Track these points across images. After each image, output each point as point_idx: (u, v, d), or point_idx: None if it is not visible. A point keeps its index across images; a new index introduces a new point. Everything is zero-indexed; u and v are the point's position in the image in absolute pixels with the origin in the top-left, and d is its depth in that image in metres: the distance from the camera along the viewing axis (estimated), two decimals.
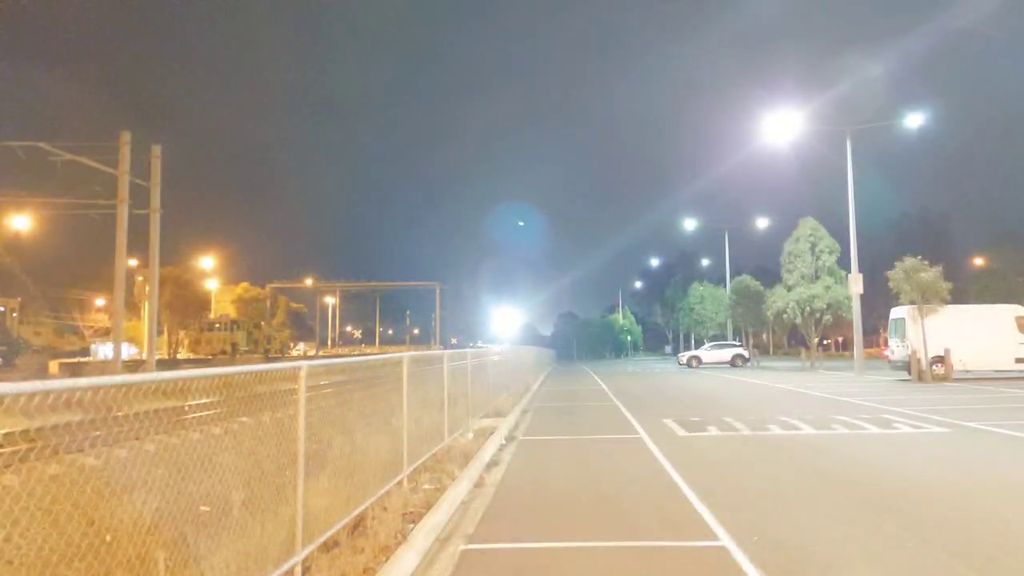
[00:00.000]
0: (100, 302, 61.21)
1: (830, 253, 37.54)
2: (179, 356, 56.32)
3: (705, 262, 77.14)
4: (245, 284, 72.25)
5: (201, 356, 53.66)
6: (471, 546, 5.43)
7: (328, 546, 4.68)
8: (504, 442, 10.80)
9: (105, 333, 55.49)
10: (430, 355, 8.80)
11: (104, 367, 34.77)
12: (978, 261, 60.76)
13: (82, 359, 46.57)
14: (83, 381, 2.64)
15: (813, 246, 38.00)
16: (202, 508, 3.93)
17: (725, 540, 5.38)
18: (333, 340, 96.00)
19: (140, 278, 53.70)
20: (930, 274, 24.19)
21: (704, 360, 43.48)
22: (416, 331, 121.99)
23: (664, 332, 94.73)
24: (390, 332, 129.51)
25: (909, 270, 24.68)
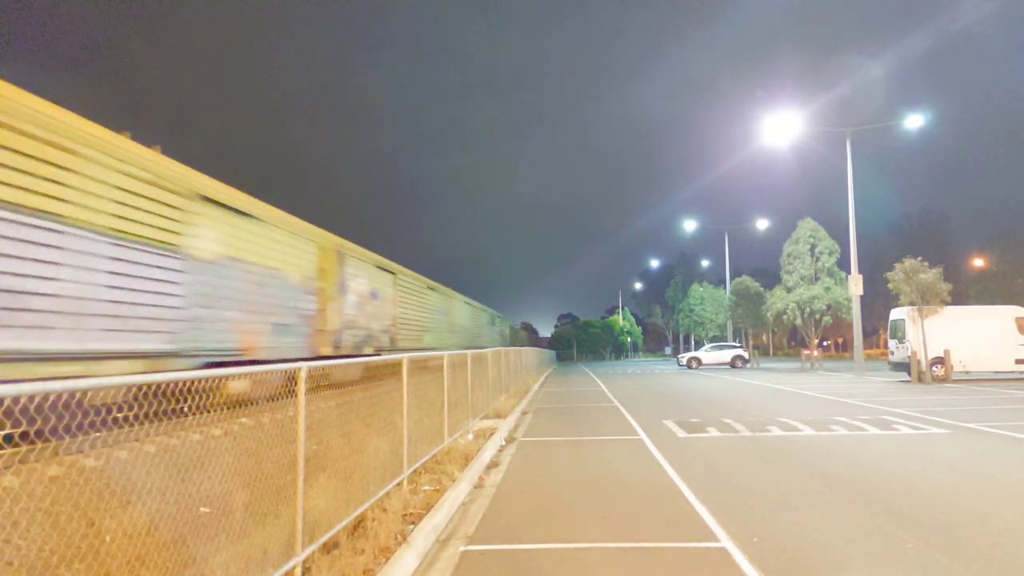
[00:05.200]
0: None
1: (830, 254, 37.59)
2: None
3: (705, 263, 77.47)
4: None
5: None
6: (471, 547, 5.43)
7: (328, 547, 4.68)
8: (504, 443, 10.80)
9: None
10: (429, 355, 8.79)
11: None
12: (978, 262, 60.81)
13: None
14: (83, 382, 2.64)
15: (813, 247, 38.06)
16: (202, 509, 3.93)
17: (725, 541, 5.38)
18: None
19: None
20: (930, 275, 24.21)
21: (704, 361, 43.48)
22: None
23: (664, 333, 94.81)
24: None
25: (909, 271, 24.70)
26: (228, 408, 4.92)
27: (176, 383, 3.41)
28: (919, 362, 23.83)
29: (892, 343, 26.44)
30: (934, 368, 24.04)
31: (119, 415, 3.85)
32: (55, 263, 7.58)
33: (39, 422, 2.68)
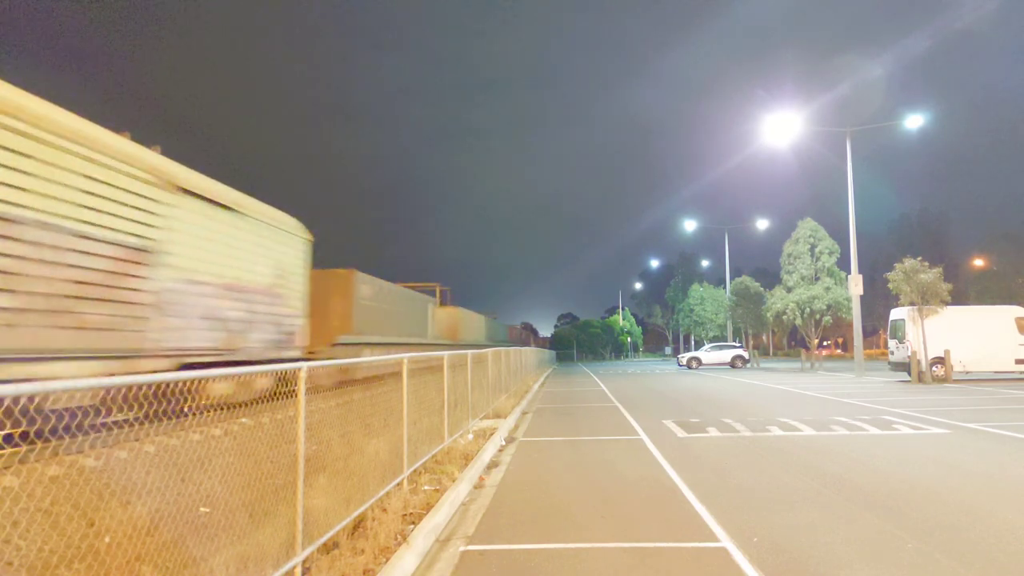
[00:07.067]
0: None
1: (830, 254, 37.59)
2: None
3: (705, 263, 77.50)
4: None
5: None
6: (471, 547, 5.43)
7: (328, 547, 4.68)
8: (504, 443, 10.80)
9: None
10: (430, 356, 8.79)
11: None
12: (978, 262, 60.78)
13: None
14: (82, 382, 2.64)
15: (813, 247, 38.06)
16: (202, 509, 3.93)
17: (725, 541, 5.38)
18: None
19: None
20: (930, 275, 24.21)
21: (704, 361, 43.49)
22: None
23: (664, 333, 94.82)
24: None
25: (909, 271, 24.70)
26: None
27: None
28: (919, 362, 23.82)
29: (892, 343, 26.44)
30: (934, 368, 24.04)
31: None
32: None
33: (39, 421, 2.67)
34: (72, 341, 7.56)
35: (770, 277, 51.89)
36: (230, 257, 11.38)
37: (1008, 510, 6.18)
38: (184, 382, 3.31)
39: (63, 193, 7.59)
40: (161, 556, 3.64)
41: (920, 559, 4.89)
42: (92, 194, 8.05)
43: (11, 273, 6.83)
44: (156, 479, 4.07)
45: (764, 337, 77.52)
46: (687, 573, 4.74)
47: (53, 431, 4.92)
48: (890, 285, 25.50)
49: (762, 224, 51.84)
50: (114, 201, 8.45)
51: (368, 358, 6.88)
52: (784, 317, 37.68)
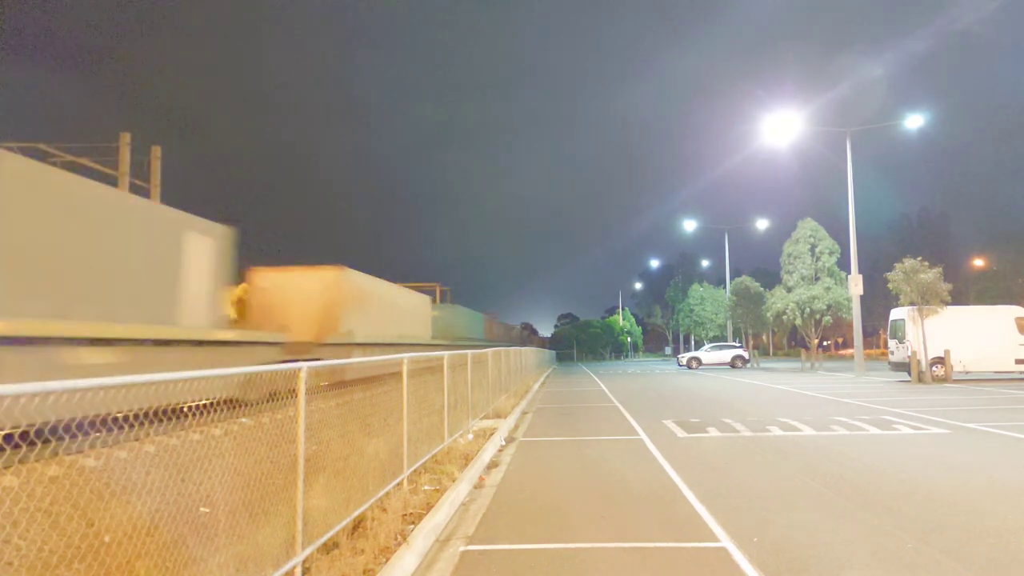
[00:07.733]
0: None
1: (830, 254, 37.58)
2: None
3: (705, 263, 77.46)
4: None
5: None
6: (471, 547, 5.43)
7: (328, 547, 4.68)
8: (504, 443, 10.80)
9: None
10: (430, 356, 8.79)
11: None
12: (978, 262, 60.79)
13: None
14: (82, 382, 2.64)
15: (813, 247, 38.06)
16: (202, 509, 3.94)
17: (725, 541, 5.38)
18: None
19: None
20: (930, 275, 24.21)
21: (704, 361, 43.49)
22: None
23: (664, 333, 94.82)
24: None
25: (909, 271, 24.69)
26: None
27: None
28: (919, 362, 23.82)
29: (892, 343, 26.44)
30: (934, 368, 24.04)
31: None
32: None
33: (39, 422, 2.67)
34: None
35: (770, 277, 51.83)
36: None
37: (1008, 510, 6.18)
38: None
39: None
40: (161, 556, 3.64)
41: (920, 559, 4.89)
42: None
43: None
44: (156, 479, 4.07)
45: (764, 337, 77.52)
46: (687, 573, 4.73)
47: (53, 431, 4.92)
48: (890, 285, 25.50)
49: (762, 224, 51.86)
50: None
51: (368, 359, 6.85)
52: (784, 317, 37.67)
